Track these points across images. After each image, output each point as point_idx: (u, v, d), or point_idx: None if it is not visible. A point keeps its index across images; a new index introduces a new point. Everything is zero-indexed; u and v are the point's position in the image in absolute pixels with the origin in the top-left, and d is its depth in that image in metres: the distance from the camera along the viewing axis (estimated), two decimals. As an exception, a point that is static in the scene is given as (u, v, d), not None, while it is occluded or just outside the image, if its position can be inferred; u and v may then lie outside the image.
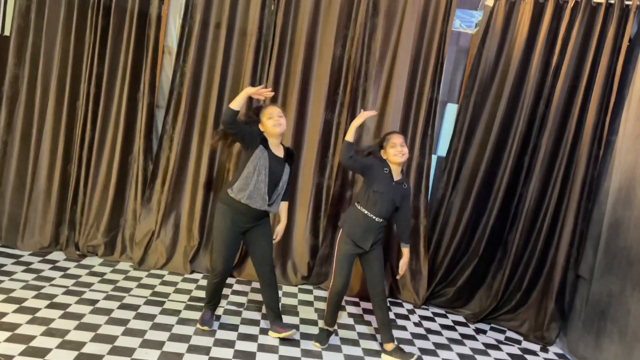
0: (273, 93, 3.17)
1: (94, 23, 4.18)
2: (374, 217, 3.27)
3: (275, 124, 3.20)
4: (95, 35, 4.18)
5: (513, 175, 4.32)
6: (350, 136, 3.21)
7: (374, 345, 3.59)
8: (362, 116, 3.26)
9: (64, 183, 4.32)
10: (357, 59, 4.35)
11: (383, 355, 3.43)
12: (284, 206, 3.48)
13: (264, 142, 3.22)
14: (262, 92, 3.10)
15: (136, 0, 4.19)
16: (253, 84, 4.25)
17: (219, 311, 3.70)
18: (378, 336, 3.69)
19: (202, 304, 3.70)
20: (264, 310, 3.72)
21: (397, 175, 3.32)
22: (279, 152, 3.29)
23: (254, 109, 3.35)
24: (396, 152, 3.25)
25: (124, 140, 4.32)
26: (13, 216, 4.28)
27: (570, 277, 4.12)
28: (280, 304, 3.57)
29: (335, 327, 3.64)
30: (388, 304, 3.42)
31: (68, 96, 4.24)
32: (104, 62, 4.23)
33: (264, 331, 3.52)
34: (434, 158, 4.60)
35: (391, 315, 4.13)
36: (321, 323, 3.76)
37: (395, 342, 3.43)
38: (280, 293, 4.20)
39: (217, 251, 3.32)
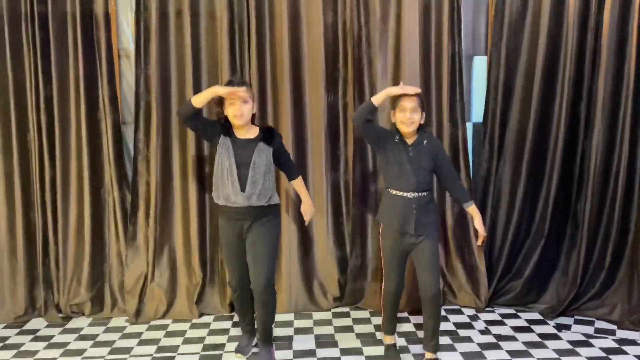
0: (246, 95, 2.95)
1: (30, 36, 3.66)
2: (404, 194, 2.99)
3: (235, 113, 2.94)
4: (34, 51, 3.68)
5: (570, 129, 3.83)
6: (376, 99, 2.91)
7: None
8: (401, 88, 2.95)
9: (30, 234, 3.84)
10: (354, 22, 3.81)
11: None
12: (298, 183, 3.26)
13: (226, 128, 3.02)
14: (234, 93, 2.88)
15: (76, 0, 3.67)
16: (233, 76, 3.77)
17: None
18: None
19: (220, 352, 3.36)
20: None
21: (410, 139, 3.02)
22: (249, 134, 3.05)
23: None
24: (403, 119, 2.94)
25: (91, 172, 3.83)
26: (-25, 285, 3.80)
27: (663, 242, 3.59)
28: (270, 328, 3.19)
29: (396, 338, 3.34)
30: (440, 309, 3.08)
31: (16, 131, 3.74)
32: (51, 82, 3.73)
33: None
34: (469, 126, 4.07)
35: (450, 326, 3.66)
36: (380, 335, 3.47)
37: (436, 355, 3.13)
38: (310, 322, 3.78)
39: (225, 264, 3.34)
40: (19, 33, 3.68)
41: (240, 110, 2.92)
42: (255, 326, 3.27)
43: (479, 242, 3.17)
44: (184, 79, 3.79)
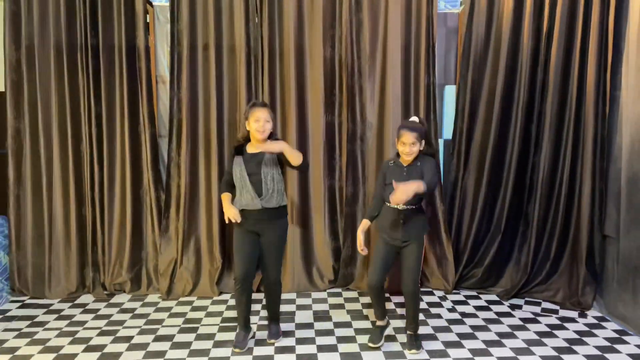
0: (268, 116, 3.22)
1: (84, 65, 4.16)
2: (394, 206, 3.24)
3: (258, 128, 3.17)
4: (88, 77, 4.17)
5: (522, 146, 4.26)
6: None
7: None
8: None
9: (81, 226, 4.31)
10: (348, 57, 4.30)
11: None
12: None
13: (238, 149, 3.28)
14: (231, 218, 3.23)
15: (122, 35, 4.16)
16: (249, 99, 4.25)
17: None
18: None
19: (235, 324, 3.69)
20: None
21: (407, 162, 3.26)
22: (258, 149, 3.24)
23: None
24: (404, 151, 3.20)
25: (132, 175, 4.30)
26: (37, 267, 4.29)
27: (597, 238, 4.07)
28: (278, 311, 3.54)
29: (387, 321, 3.55)
30: (417, 302, 3.37)
31: (71, 141, 4.24)
32: (101, 101, 4.22)
33: (299, 341, 3.51)
34: (440, 142, 4.54)
35: (424, 305, 4.09)
36: (366, 312, 3.81)
37: (411, 332, 3.41)
38: (309, 300, 4.22)
39: (234, 255, 3.37)
40: (75, 61, 4.16)
41: (263, 127, 3.15)
42: (251, 322, 3.52)
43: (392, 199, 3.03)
44: (209, 101, 4.24)
